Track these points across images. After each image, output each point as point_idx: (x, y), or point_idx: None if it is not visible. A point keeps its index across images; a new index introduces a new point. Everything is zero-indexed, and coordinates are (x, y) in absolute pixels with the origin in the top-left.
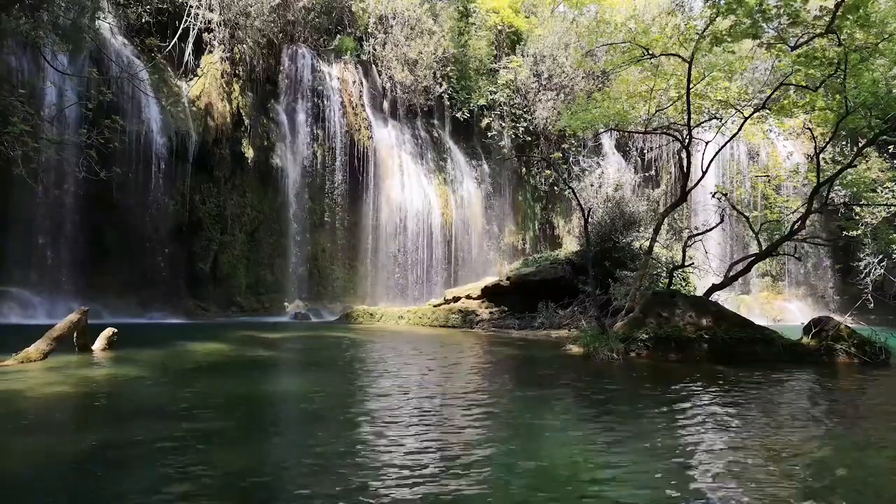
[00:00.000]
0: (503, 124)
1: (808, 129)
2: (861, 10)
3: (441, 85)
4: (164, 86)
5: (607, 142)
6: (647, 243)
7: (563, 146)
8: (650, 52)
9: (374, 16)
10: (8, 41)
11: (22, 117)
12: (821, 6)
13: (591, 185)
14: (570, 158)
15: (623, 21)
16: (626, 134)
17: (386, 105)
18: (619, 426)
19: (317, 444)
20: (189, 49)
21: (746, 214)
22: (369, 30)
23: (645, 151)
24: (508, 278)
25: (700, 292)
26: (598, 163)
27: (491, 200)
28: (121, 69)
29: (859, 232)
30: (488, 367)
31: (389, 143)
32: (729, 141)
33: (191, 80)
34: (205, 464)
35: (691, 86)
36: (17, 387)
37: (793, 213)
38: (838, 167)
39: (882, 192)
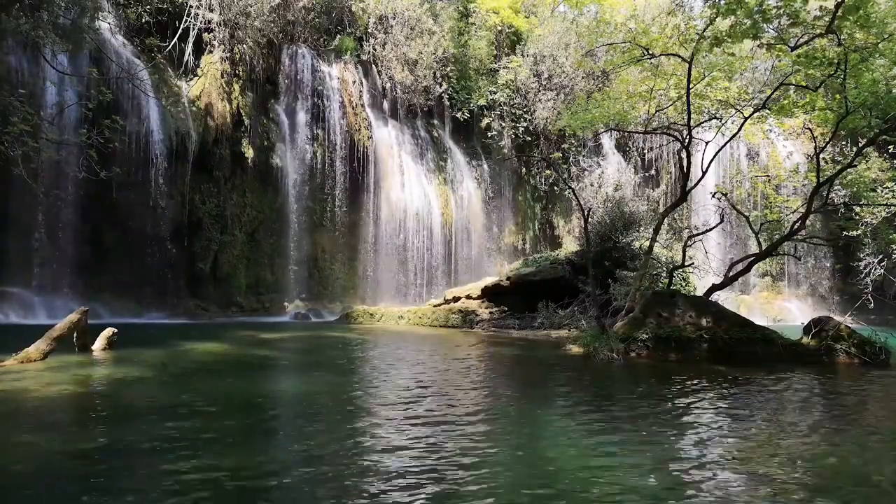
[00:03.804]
0: (503, 124)
1: (808, 129)
2: (861, 10)
3: (441, 85)
4: (164, 86)
5: (607, 142)
6: (647, 243)
7: (563, 146)
8: (650, 52)
9: (374, 16)
10: (8, 41)
11: (22, 117)
12: (821, 6)
13: (591, 185)
14: (570, 158)
15: (623, 21)
16: (626, 134)
17: (386, 105)
18: (620, 426)
19: (317, 446)
20: (189, 49)
21: (746, 214)
22: (369, 30)
23: (645, 151)
24: (508, 278)
25: (700, 292)
26: (598, 163)
27: (491, 200)
28: (121, 69)
29: (859, 232)
30: (488, 367)
31: (389, 143)
32: (729, 141)
33: (191, 80)
34: (204, 464)
35: (691, 86)
36: (17, 387)
37: (793, 213)
38: (838, 167)
39: (882, 192)
